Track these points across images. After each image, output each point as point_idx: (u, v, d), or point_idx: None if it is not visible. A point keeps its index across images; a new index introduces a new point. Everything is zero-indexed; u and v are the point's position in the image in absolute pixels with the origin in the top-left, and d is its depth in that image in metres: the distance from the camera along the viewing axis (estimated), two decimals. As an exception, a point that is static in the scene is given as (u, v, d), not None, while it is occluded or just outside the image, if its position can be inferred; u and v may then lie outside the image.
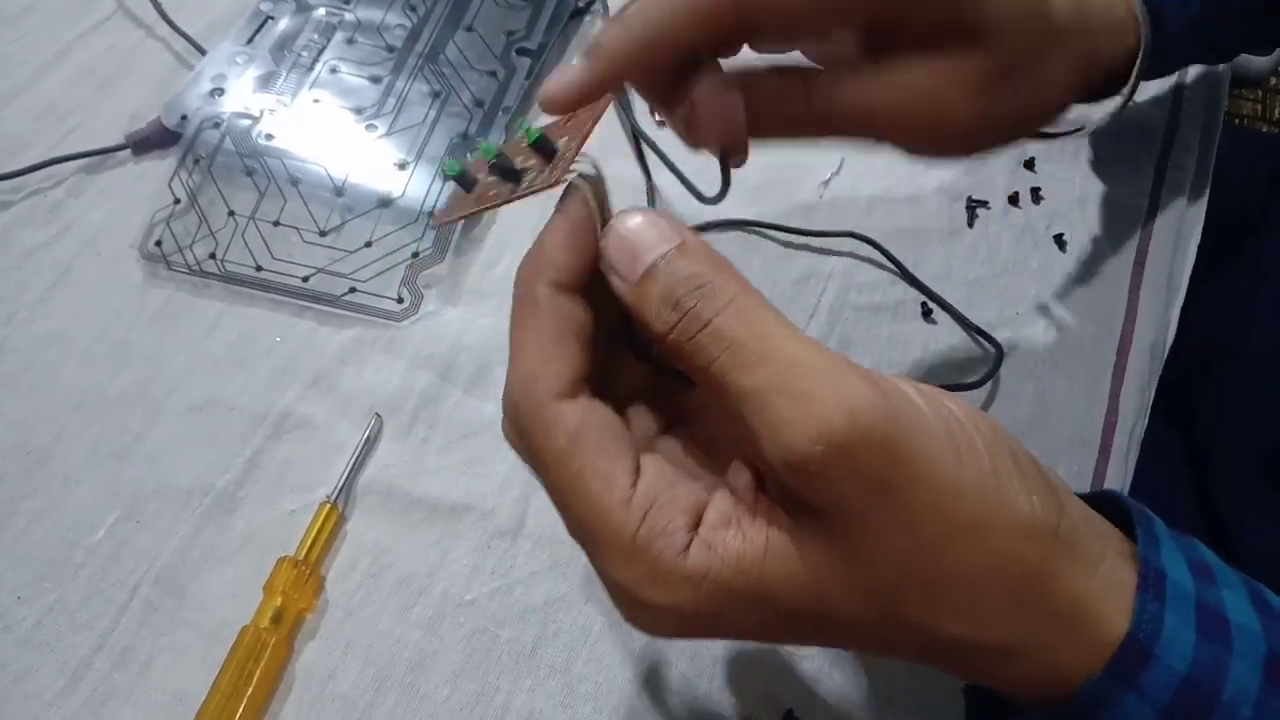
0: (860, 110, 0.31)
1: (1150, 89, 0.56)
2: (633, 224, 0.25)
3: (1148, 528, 0.27)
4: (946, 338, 0.48)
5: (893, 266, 0.49)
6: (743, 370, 0.23)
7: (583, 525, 0.25)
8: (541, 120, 0.29)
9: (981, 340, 0.47)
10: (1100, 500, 0.28)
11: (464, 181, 0.29)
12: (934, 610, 0.24)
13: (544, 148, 0.26)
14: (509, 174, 0.27)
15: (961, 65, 0.32)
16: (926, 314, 0.48)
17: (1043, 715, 0.26)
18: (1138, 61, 0.39)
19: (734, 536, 0.24)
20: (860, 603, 0.24)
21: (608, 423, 0.25)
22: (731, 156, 0.30)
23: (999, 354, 0.46)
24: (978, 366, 0.46)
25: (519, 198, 0.27)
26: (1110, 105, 0.41)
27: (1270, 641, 0.25)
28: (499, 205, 0.27)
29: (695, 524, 0.24)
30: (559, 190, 0.26)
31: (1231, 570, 0.27)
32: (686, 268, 0.24)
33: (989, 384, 0.46)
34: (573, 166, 0.26)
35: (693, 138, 0.30)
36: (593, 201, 0.26)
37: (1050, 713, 0.25)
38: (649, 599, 0.24)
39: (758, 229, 0.50)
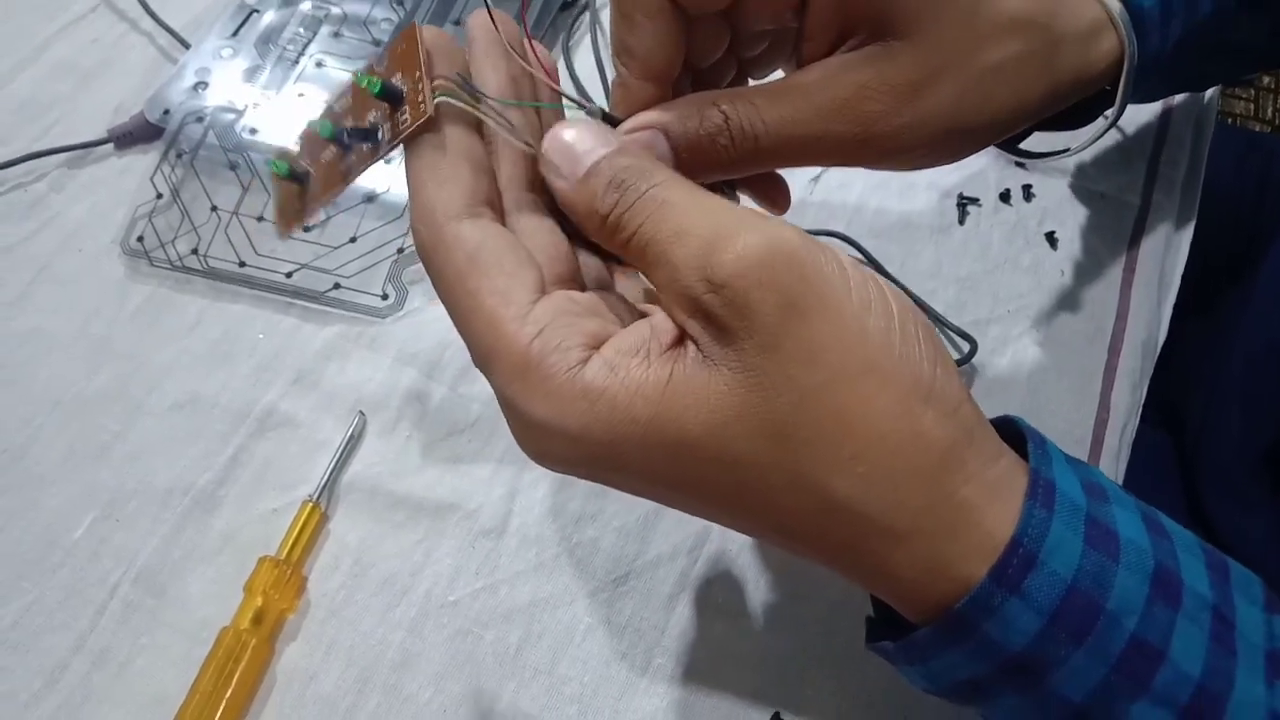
0: (784, 132, 0.29)
1: (1142, 86, 0.55)
2: (573, 132, 0.26)
3: (1040, 445, 0.27)
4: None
5: (870, 264, 0.49)
6: (674, 217, 0.24)
7: (480, 341, 0.25)
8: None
9: (955, 335, 0.47)
10: (997, 425, 0.28)
11: (296, 176, 0.28)
12: (829, 463, 0.24)
13: (389, 93, 0.26)
14: (364, 135, 0.27)
15: (886, 67, 0.29)
16: None
17: (930, 630, 0.25)
18: (1123, 74, 0.36)
19: (639, 364, 0.24)
20: (759, 443, 0.24)
21: (508, 243, 0.26)
22: None
23: (973, 347, 0.46)
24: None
25: (401, 140, 0.26)
26: (1095, 127, 0.39)
27: (1159, 557, 0.25)
28: (374, 163, 0.27)
29: (596, 346, 0.24)
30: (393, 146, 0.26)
31: (1127, 494, 0.27)
32: (627, 160, 0.26)
33: (967, 372, 0.46)
34: (435, 91, 0.26)
35: None
36: (469, 104, 0.26)
37: (936, 626, 0.25)
38: (541, 416, 0.24)
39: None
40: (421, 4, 0.55)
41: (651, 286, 0.27)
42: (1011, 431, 0.28)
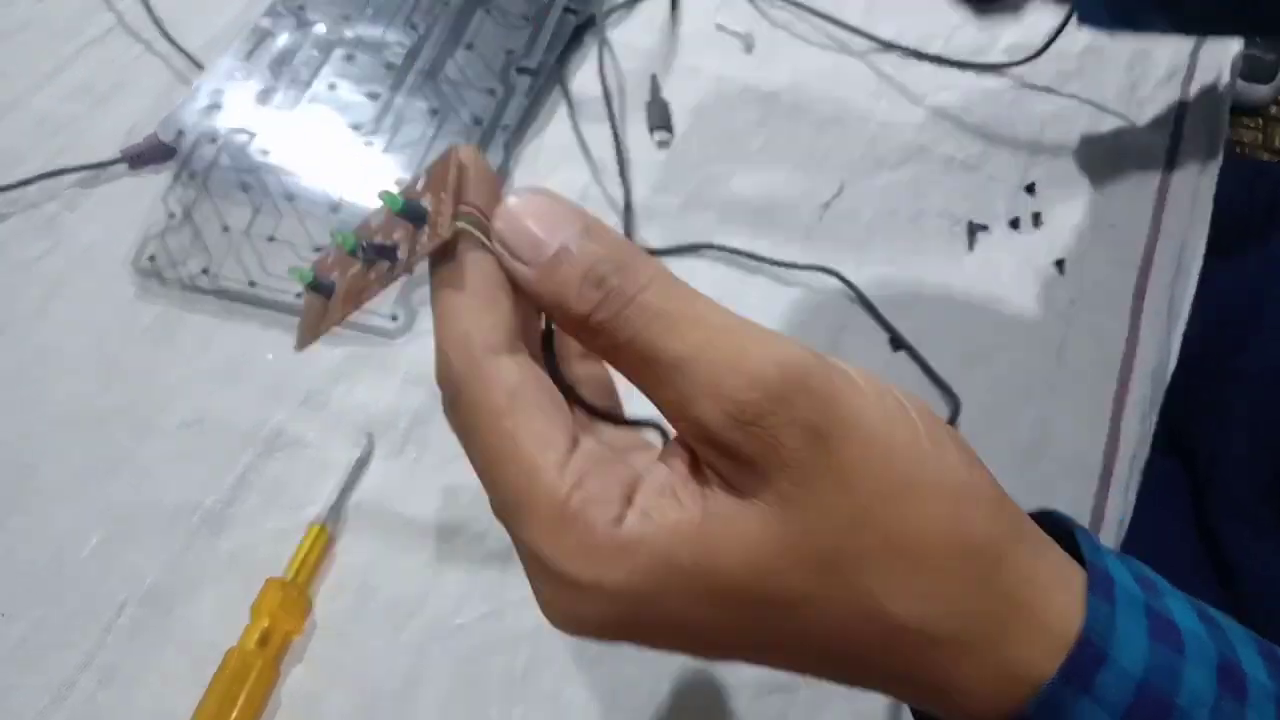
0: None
1: (1151, 113, 0.56)
2: (531, 205, 0.24)
3: (1088, 537, 0.26)
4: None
5: (862, 303, 0.49)
6: (673, 336, 0.22)
7: (511, 490, 0.23)
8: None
9: (939, 389, 0.47)
10: (1036, 518, 0.27)
11: (321, 287, 0.27)
12: (886, 586, 0.23)
13: (412, 212, 0.25)
14: (382, 252, 0.25)
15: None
16: (896, 348, 0.48)
17: None
18: None
19: (671, 504, 0.22)
20: (809, 580, 0.22)
21: (545, 384, 0.24)
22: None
23: (955, 406, 0.46)
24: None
25: (414, 263, 0.25)
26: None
27: (1219, 648, 0.25)
28: (388, 285, 0.25)
29: (630, 496, 0.23)
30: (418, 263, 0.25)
31: (1171, 585, 0.26)
32: (601, 248, 0.23)
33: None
34: (458, 218, 0.24)
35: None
36: (493, 242, 0.24)
37: None
38: (576, 574, 0.22)
39: (733, 253, 0.50)
40: (434, 29, 0.56)
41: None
42: (1046, 522, 0.27)
